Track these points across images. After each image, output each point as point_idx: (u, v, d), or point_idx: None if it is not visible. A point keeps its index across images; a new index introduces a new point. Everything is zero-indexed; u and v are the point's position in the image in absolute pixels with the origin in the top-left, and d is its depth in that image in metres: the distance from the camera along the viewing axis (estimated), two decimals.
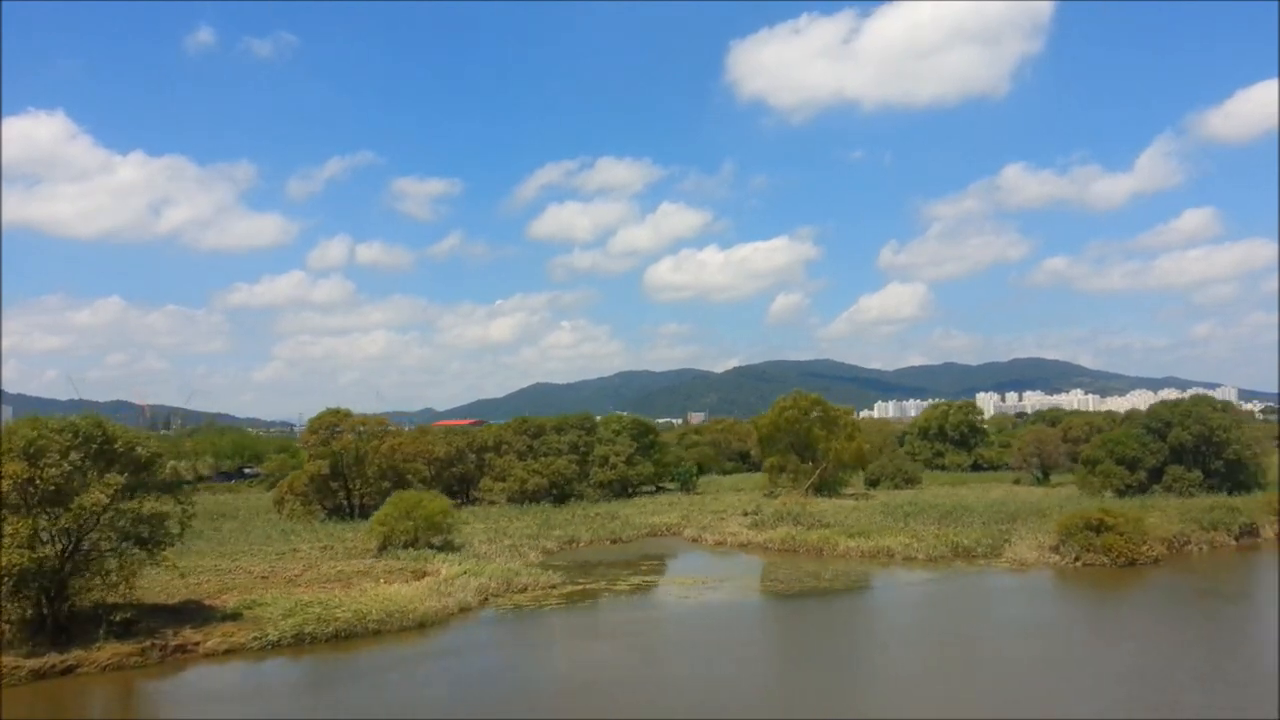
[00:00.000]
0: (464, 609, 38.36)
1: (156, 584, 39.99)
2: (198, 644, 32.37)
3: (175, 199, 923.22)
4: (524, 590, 42.71)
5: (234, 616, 35.27)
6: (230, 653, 31.97)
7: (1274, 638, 34.50)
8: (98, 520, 32.63)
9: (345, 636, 33.74)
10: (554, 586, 43.67)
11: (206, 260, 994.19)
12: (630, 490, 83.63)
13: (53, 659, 29.69)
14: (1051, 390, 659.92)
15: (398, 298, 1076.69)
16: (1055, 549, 49.75)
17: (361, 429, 68.30)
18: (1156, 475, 71.13)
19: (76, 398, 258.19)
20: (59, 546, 31.37)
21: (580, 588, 43.74)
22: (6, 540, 29.33)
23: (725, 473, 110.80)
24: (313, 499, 65.37)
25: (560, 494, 76.05)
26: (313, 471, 65.20)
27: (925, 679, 29.02)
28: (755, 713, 25.87)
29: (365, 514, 60.69)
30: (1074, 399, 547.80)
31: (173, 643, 32.00)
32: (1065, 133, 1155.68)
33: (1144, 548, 48.35)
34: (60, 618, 31.33)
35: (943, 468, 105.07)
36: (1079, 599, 43.31)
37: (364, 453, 67.31)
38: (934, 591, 43.45)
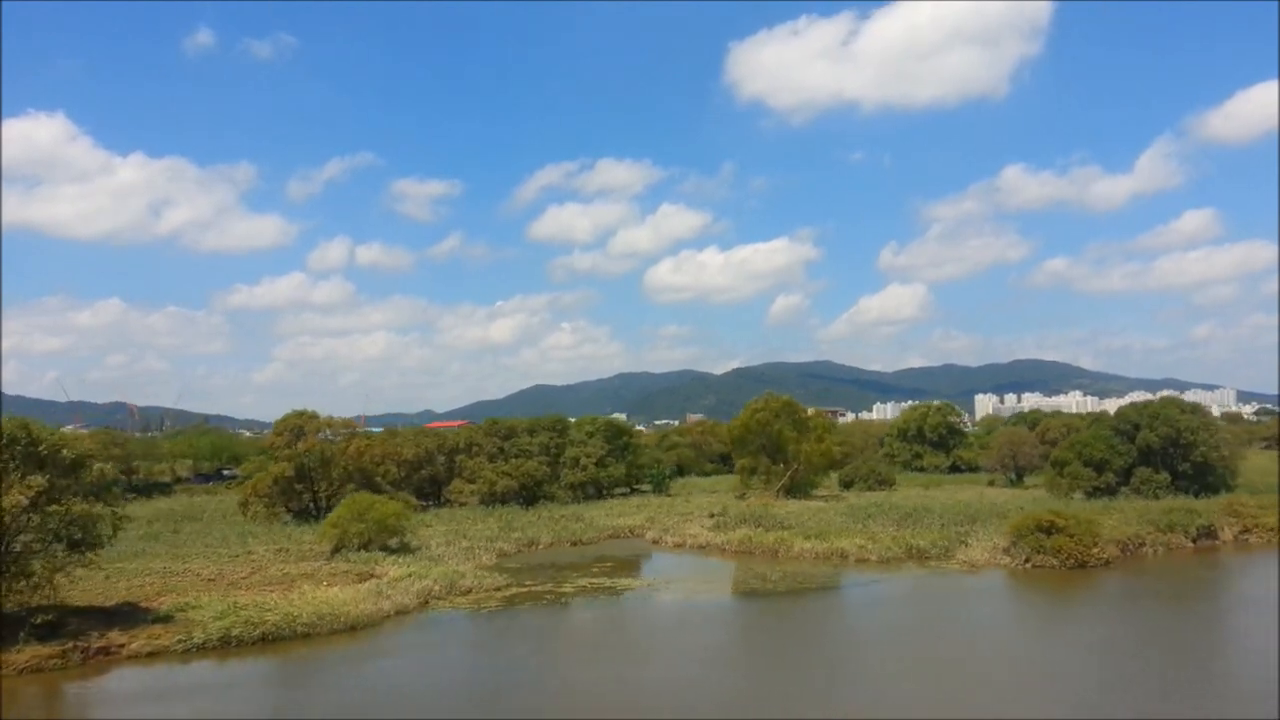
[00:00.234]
0: (401, 612, 38.37)
1: (97, 586, 40.13)
2: (122, 646, 32.38)
3: (175, 200, 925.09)
4: (468, 593, 42.71)
5: (165, 619, 35.28)
6: (154, 655, 31.97)
7: (1218, 639, 34.56)
8: (27, 522, 32.78)
9: (273, 639, 33.72)
10: (498, 589, 43.66)
11: (206, 261, 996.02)
12: (603, 492, 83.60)
13: None
14: (1051, 392, 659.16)
15: (398, 299, 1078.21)
16: (1007, 551, 49.76)
17: (327, 431, 68.26)
18: (1126, 477, 71.06)
19: (66, 399, 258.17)
20: None
21: (525, 590, 43.72)
22: None
23: (705, 474, 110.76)
24: (277, 501, 65.38)
25: (530, 496, 76.00)
26: (276, 473, 65.21)
27: (846, 681, 29.00)
28: (651, 714, 25.86)
29: None
30: (1072, 401, 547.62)
31: (96, 645, 32.00)
32: (1065, 134, 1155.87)
33: (1094, 550, 48.29)
34: None
35: (921, 469, 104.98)
36: (1014, 599, 43.39)
37: (330, 455, 67.29)
38: (875, 593, 43.44)
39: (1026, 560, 48.44)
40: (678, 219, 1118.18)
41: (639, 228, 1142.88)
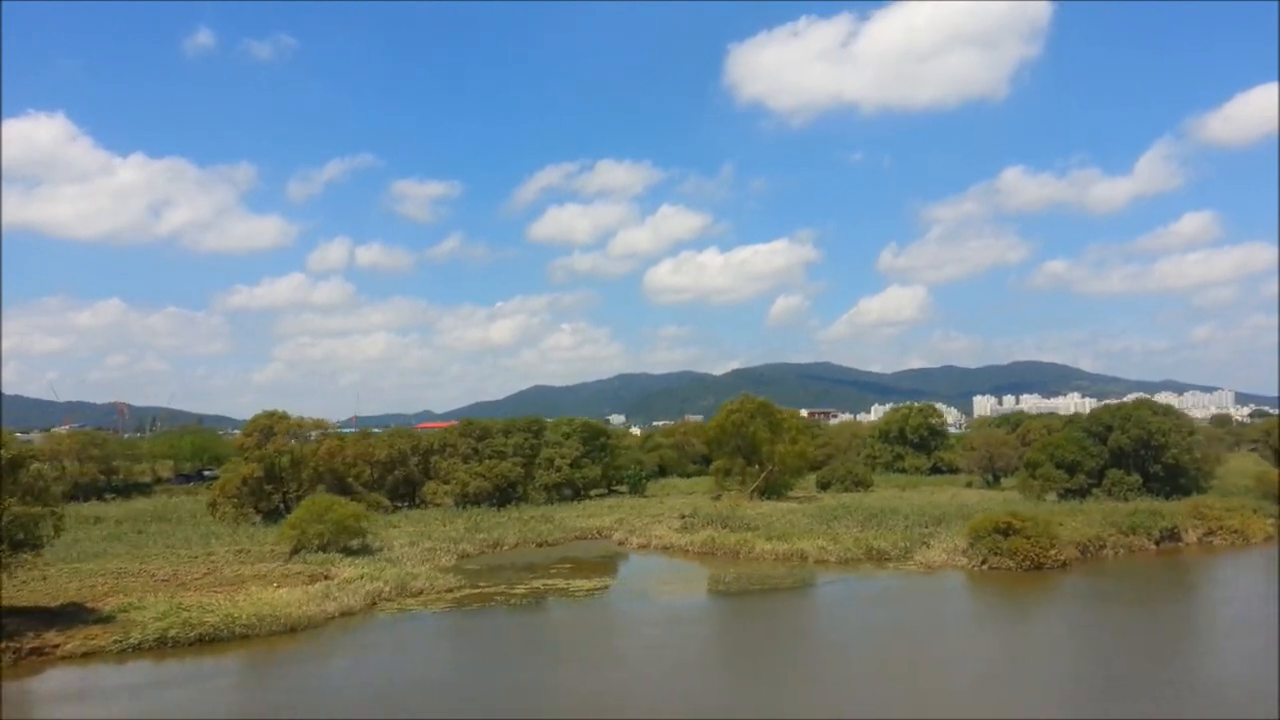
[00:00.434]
0: (346, 613, 38.39)
1: (46, 586, 40.20)
2: (57, 647, 32.44)
3: (175, 201, 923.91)
4: (418, 594, 42.73)
5: (107, 620, 35.36)
6: (89, 656, 32.03)
7: (1164, 641, 34.52)
8: None
9: (210, 640, 33.75)
10: (449, 590, 43.68)
11: (207, 262, 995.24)
12: (580, 493, 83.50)
13: None
14: (1049, 393, 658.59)
15: (398, 299, 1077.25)
16: (964, 552, 49.74)
17: (297, 431, 68.29)
18: (1098, 479, 70.96)
19: (55, 399, 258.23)
20: None
21: (476, 592, 43.73)
22: None
23: (687, 475, 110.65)
24: (245, 502, 65.37)
25: (503, 497, 76.00)
26: (245, 474, 65.24)
27: (770, 683, 28.98)
28: (562, 714, 25.88)
29: None
30: (1071, 402, 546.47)
31: (29, 645, 32.08)
32: (1064, 136, 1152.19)
33: (1051, 552, 48.25)
34: None
35: (902, 471, 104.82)
36: (956, 600, 43.27)
37: (300, 456, 67.33)
38: (824, 595, 43.43)
39: (983, 562, 48.46)
40: (677, 220, 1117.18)
41: (639, 229, 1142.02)
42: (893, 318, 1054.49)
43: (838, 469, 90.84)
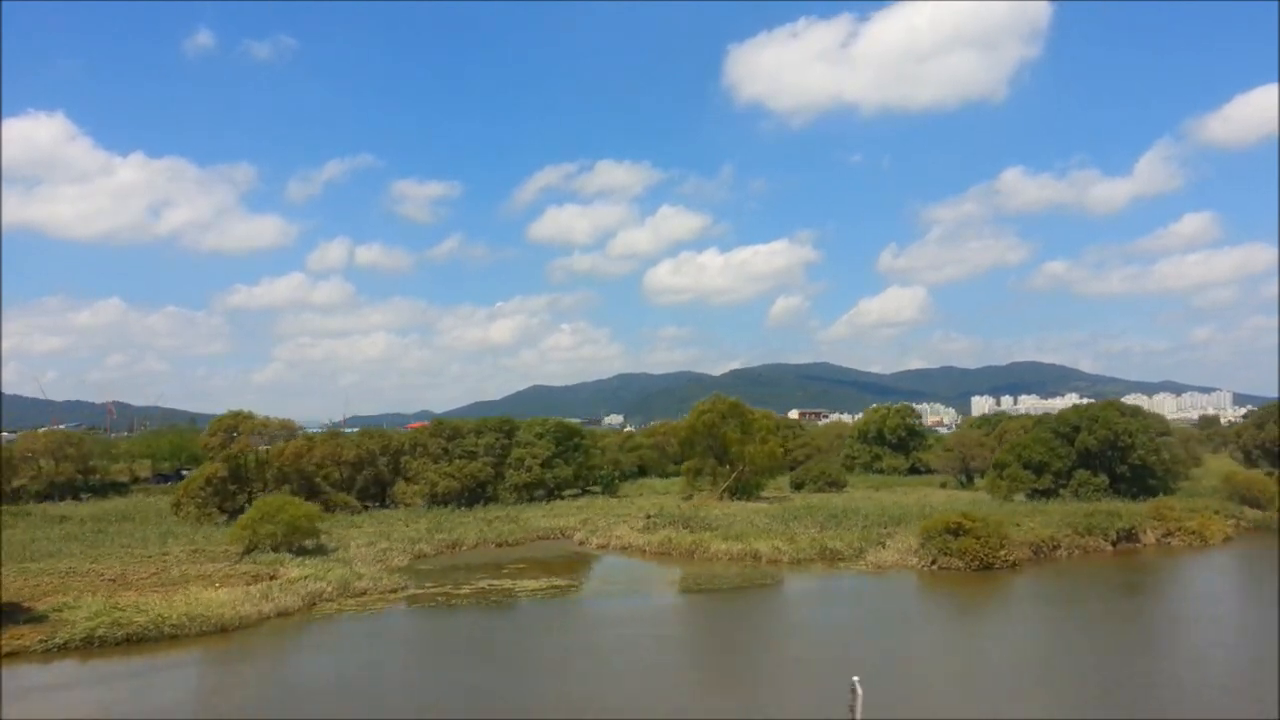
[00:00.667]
0: (282, 614, 38.37)
1: None
2: None
3: (175, 200, 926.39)
4: (361, 595, 42.71)
5: (39, 619, 35.45)
6: (13, 655, 32.00)
7: (1092, 638, 34.45)
8: None
9: (139, 640, 33.76)
10: (393, 591, 43.66)
11: (206, 262, 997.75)
12: (553, 494, 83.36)
13: None
14: (1048, 394, 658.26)
15: (397, 300, 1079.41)
16: (916, 552, 49.71)
17: (263, 431, 68.31)
18: (1066, 479, 70.88)
19: (43, 396, 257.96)
20: None
21: (420, 592, 43.72)
22: None
23: (666, 475, 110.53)
24: (209, 502, 65.37)
25: (472, 497, 76.01)
26: (209, 474, 65.30)
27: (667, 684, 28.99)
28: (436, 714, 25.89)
29: None
30: (1069, 403, 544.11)
31: None
32: (1064, 136, 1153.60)
33: (1001, 552, 48.23)
34: None
35: (880, 471, 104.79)
36: (886, 599, 42.99)
37: (265, 456, 67.35)
38: (758, 597, 43.40)
39: (933, 562, 48.44)
40: (677, 220, 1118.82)
41: (638, 229, 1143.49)
42: (892, 318, 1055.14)
43: (811, 469, 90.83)
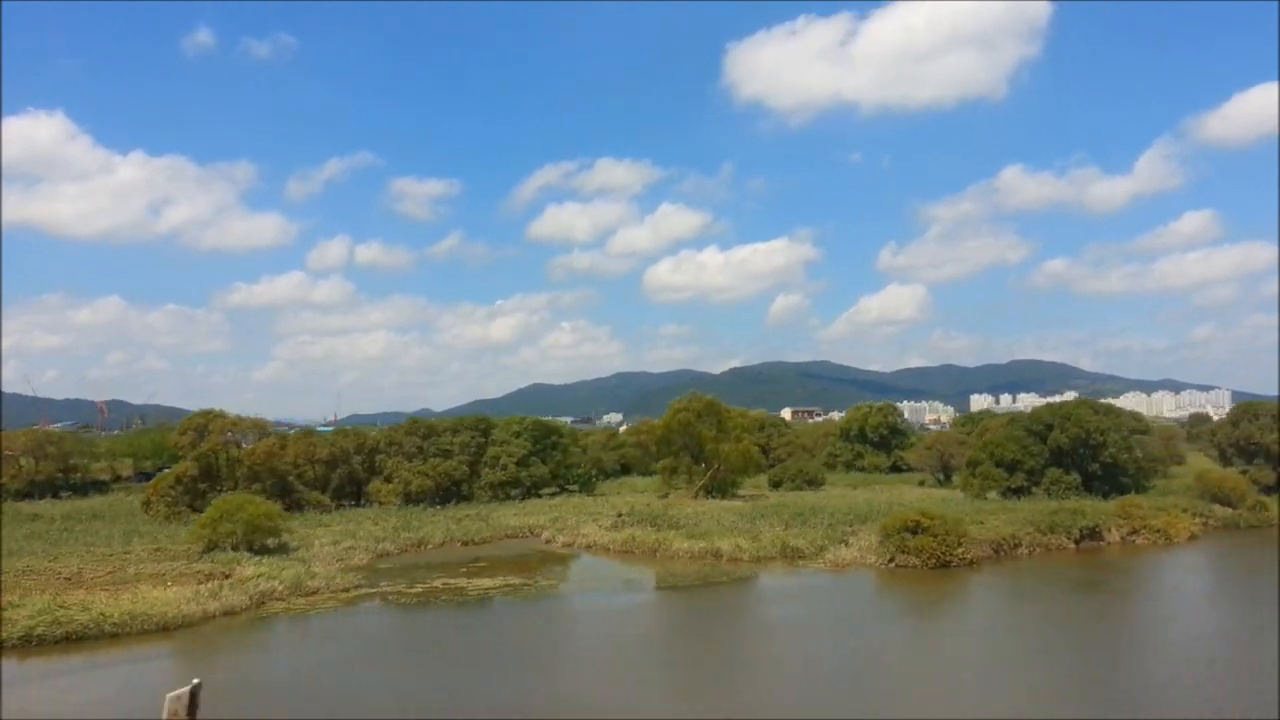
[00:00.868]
0: (229, 613, 38.37)
1: None
2: None
3: (175, 199, 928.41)
4: (312, 594, 42.71)
5: None
6: None
7: (1038, 638, 34.43)
8: None
9: (79, 639, 33.80)
10: (345, 590, 43.66)
11: (206, 260, 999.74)
12: (531, 492, 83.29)
13: None
14: (1047, 392, 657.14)
15: (397, 298, 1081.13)
16: (874, 550, 49.72)
17: (233, 430, 68.37)
18: (1039, 478, 70.81)
19: (32, 393, 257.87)
20: None
21: (373, 591, 43.75)
22: None
23: (649, 474, 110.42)
24: (179, 501, 65.41)
25: (447, 495, 76.05)
26: (179, 473, 65.37)
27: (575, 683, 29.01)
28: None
29: None
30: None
31: None
32: (1063, 135, 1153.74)
33: (959, 550, 48.24)
34: None
35: (862, 469, 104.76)
36: (839, 597, 42.97)
37: (236, 454, 67.40)
38: (695, 596, 43.41)
39: (891, 560, 48.43)
40: (677, 219, 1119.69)
41: (638, 227, 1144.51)
42: (892, 316, 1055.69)
43: (789, 468, 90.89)
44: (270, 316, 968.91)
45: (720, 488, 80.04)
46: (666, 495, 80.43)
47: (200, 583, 42.38)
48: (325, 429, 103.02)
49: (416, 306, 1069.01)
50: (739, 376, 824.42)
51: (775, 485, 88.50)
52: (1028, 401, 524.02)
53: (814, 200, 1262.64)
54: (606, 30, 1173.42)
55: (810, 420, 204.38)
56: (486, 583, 45.58)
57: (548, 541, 60.33)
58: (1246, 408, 78.91)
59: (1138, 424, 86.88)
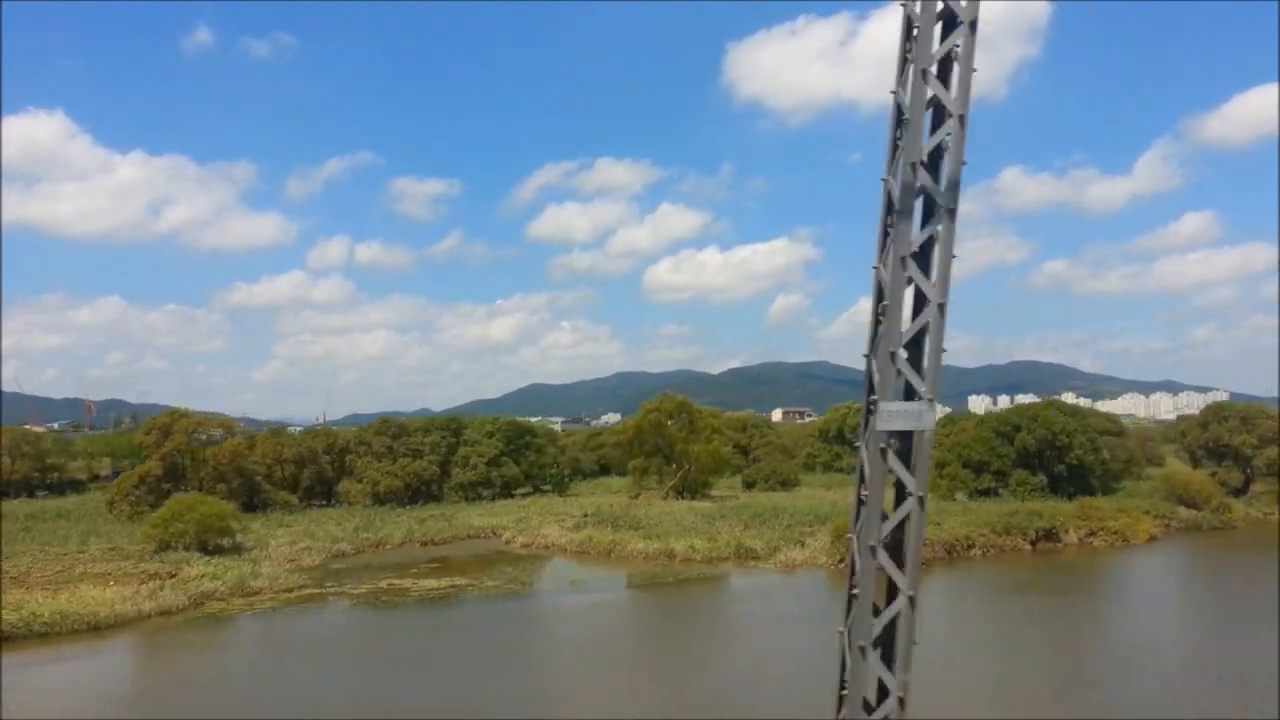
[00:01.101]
0: (165, 612, 38.45)
1: None
2: None
3: (175, 198, 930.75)
4: (255, 594, 42.73)
5: None
6: None
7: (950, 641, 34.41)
8: None
9: (7, 638, 33.79)
10: (288, 590, 43.68)
11: (206, 260, 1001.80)
12: (504, 492, 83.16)
13: None
14: (1045, 393, 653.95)
15: (397, 297, 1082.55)
16: (826, 551, 49.68)
17: (198, 430, 68.39)
18: (1006, 478, 70.73)
19: (21, 390, 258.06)
20: None
21: (317, 592, 43.77)
22: None
23: (626, 474, 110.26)
24: (143, 501, 65.35)
25: (416, 495, 76.03)
26: (143, 473, 65.37)
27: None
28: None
29: None
30: (1066, 402, 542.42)
31: None
32: (1063, 136, 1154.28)
33: None
34: None
35: (840, 470, 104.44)
36: (765, 600, 43.00)
37: (201, 454, 67.43)
38: (630, 596, 43.41)
39: (841, 560, 48.27)
40: (677, 219, 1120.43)
41: (638, 227, 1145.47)
42: None
43: (763, 468, 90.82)
44: (270, 316, 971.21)
45: (691, 488, 79.92)
46: (638, 496, 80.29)
47: (143, 582, 42.46)
48: (296, 429, 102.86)
49: (416, 306, 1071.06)
50: (738, 377, 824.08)
51: (749, 486, 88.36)
52: (1025, 402, 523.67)
53: (814, 200, 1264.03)
54: (606, 30, 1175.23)
55: (800, 421, 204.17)
56: (432, 584, 45.57)
57: (508, 542, 60.29)
58: (1216, 409, 78.85)
59: (1112, 425, 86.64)
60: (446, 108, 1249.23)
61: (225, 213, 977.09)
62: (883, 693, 7.56)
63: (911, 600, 7.41)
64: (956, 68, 7.21)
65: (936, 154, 7.43)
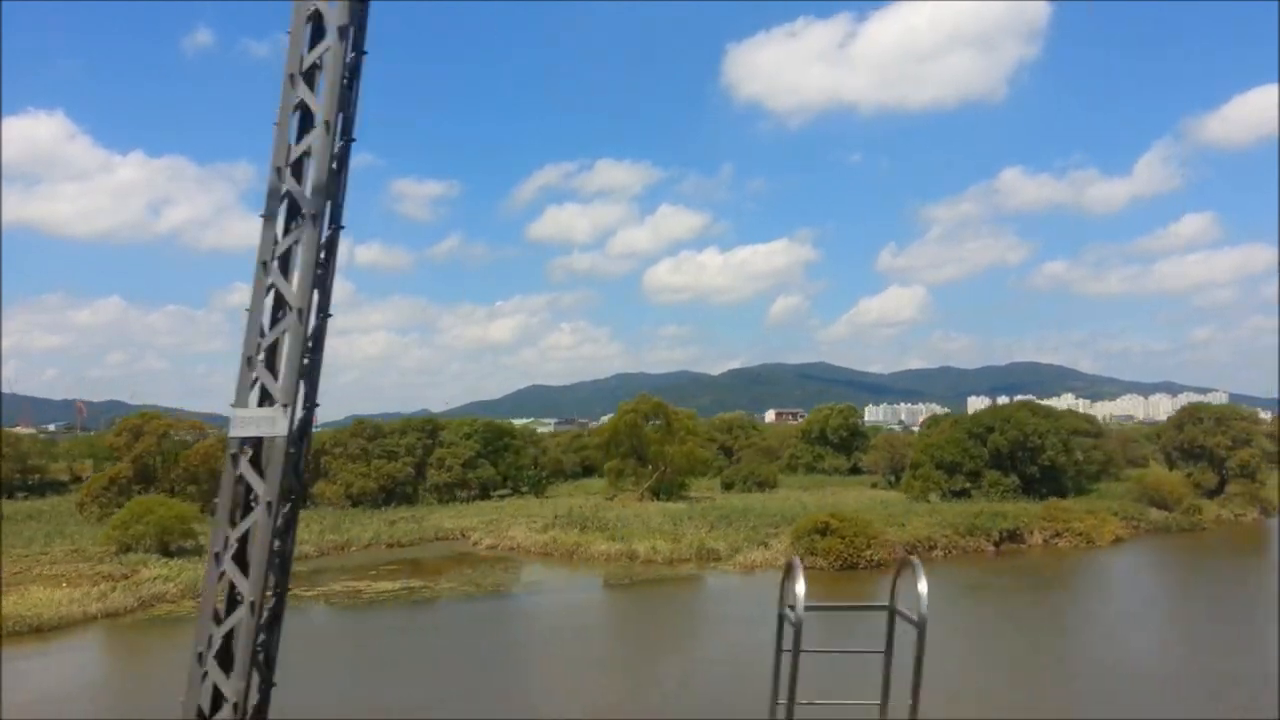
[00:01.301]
0: (111, 614, 38.45)
1: None
2: None
3: (175, 199, 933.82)
4: None
5: None
6: None
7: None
8: None
9: None
10: None
11: (206, 259, 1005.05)
12: (482, 494, 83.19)
13: None
14: (1045, 395, 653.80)
15: (397, 298, 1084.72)
16: (785, 552, 49.62)
17: (169, 431, 68.43)
18: (979, 479, 70.64)
19: (14, 389, 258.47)
20: None
21: None
22: None
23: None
24: (112, 503, 65.32)
25: (390, 497, 76.05)
26: (113, 474, 65.41)
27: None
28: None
29: None
30: (1065, 403, 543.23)
31: None
32: (1063, 136, 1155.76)
33: (867, 552, 48.16)
34: None
35: (823, 471, 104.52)
36: (712, 600, 42.89)
37: (173, 456, 67.46)
38: (582, 599, 43.41)
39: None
40: (677, 220, 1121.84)
41: (638, 228, 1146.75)
42: (892, 317, 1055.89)
43: (741, 470, 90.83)
44: None
45: (667, 489, 79.93)
46: (614, 497, 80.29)
47: (95, 584, 42.47)
48: None
49: (416, 307, 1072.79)
50: (738, 378, 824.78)
51: (728, 487, 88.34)
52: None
53: (814, 201, 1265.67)
54: (606, 30, 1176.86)
55: (792, 422, 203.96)
56: (386, 586, 45.57)
57: (474, 544, 60.29)
58: (1191, 410, 78.77)
59: (1088, 427, 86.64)
60: (446, 108, 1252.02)
61: (225, 213, 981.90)
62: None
63: (254, 606, 7.24)
64: (324, 73, 7.42)
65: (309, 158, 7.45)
